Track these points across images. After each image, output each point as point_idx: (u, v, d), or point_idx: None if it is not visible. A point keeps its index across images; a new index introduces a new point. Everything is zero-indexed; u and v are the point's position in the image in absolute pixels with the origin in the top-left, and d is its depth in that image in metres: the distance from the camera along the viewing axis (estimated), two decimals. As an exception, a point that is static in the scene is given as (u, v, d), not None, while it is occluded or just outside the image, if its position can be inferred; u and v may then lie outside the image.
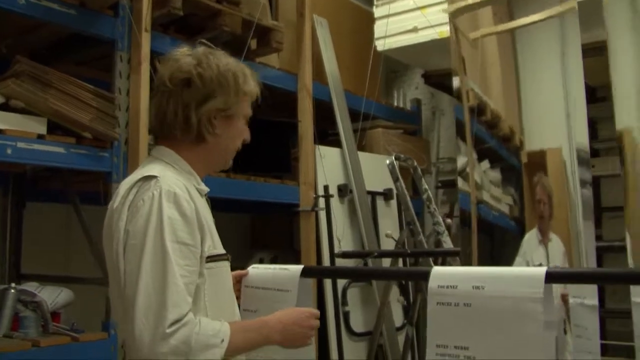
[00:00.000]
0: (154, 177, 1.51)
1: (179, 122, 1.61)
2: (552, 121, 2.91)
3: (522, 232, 3.04)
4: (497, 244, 3.22)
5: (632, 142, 2.66)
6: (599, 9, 2.71)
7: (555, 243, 2.96)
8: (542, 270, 1.49)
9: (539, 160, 2.96)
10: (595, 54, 2.98)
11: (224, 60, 1.65)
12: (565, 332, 2.83)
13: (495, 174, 3.13)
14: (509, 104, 3.07)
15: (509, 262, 3.03)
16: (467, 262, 3.21)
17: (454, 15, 3.38)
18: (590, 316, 2.81)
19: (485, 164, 3.15)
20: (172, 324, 1.39)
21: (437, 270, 1.63)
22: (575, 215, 2.77)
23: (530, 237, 2.87)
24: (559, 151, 2.86)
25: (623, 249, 2.51)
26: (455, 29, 3.31)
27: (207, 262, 1.54)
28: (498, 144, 3.14)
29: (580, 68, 2.76)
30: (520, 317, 1.51)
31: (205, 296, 1.53)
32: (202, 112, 1.60)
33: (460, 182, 3.35)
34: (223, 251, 1.64)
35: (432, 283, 1.64)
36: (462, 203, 3.35)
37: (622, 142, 2.68)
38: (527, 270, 1.55)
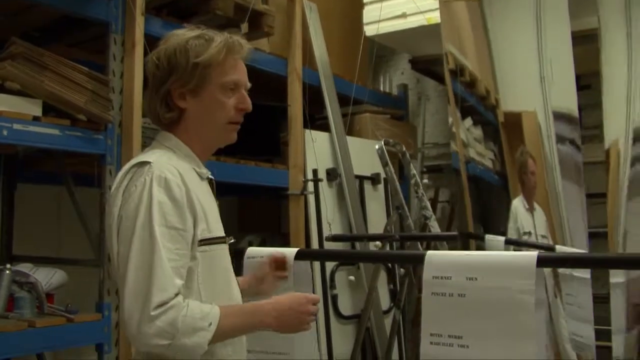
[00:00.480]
0: (148, 162, 1.55)
1: (158, 107, 1.66)
2: (526, 84, 2.95)
3: (505, 185, 3.09)
4: (484, 194, 3.27)
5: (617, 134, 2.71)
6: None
7: (539, 212, 3.03)
8: (533, 258, 1.54)
9: (515, 122, 3.01)
10: (584, 42, 3.03)
11: (180, 38, 1.65)
12: (555, 296, 2.88)
13: (478, 131, 3.18)
14: (483, 66, 3.12)
15: (497, 214, 3.07)
16: (462, 218, 3.26)
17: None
18: (583, 288, 2.86)
19: (468, 121, 3.21)
20: (158, 306, 1.42)
21: (431, 254, 1.68)
22: (553, 177, 2.81)
23: (518, 204, 2.93)
24: (534, 115, 2.90)
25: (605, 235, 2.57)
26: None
27: (200, 245, 1.56)
28: (477, 102, 3.20)
29: (565, 31, 2.78)
30: (513, 307, 1.56)
31: (198, 278, 1.55)
32: (164, 93, 1.64)
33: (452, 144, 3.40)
34: (220, 234, 1.65)
35: (427, 274, 1.68)
36: (455, 162, 3.38)
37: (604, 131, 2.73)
38: (519, 259, 1.58)
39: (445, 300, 1.66)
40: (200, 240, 1.56)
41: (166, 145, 1.67)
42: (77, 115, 2.61)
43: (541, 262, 1.53)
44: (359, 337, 3.53)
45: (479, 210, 3.13)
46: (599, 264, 1.84)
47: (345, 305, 3.93)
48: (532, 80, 2.89)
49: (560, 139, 2.73)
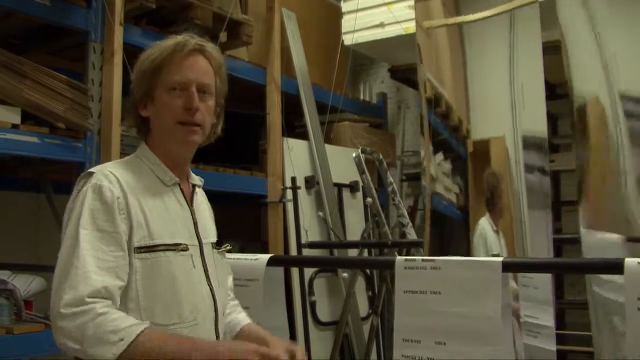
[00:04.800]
0: (92, 173, 1.60)
1: (130, 118, 1.73)
2: (497, 110, 3.00)
3: (466, 220, 3.13)
4: (447, 232, 3.32)
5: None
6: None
7: (502, 234, 3.08)
8: (499, 263, 1.59)
9: (483, 150, 3.05)
10: (555, 52, 3.09)
11: (144, 52, 1.70)
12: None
13: (447, 165, 3.22)
14: (459, 96, 3.17)
15: (457, 249, 3.11)
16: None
17: (417, 2, 3.47)
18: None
19: (440, 156, 3.24)
20: (67, 305, 1.41)
21: (401, 259, 1.73)
22: (519, 204, 2.85)
23: (485, 225, 2.96)
24: (502, 140, 2.95)
25: (578, 241, 2.62)
26: (416, 18, 3.40)
27: (139, 252, 1.56)
28: (450, 135, 3.24)
29: (538, 60, 2.85)
30: (479, 310, 1.62)
31: (137, 285, 1.54)
32: (130, 105, 1.70)
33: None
34: (173, 241, 1.62)
35: (398, 279, 1.73)
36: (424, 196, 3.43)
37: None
38: (485, 264, 1.64)
39: (417, 298, 1.72)
40: (139, 248, 1.56)
41: (136, 153, 1.73)
42: (56, 123, 2.63)
43: (506, 267, 1.58)
44: (337, 343, 3.57)
45: (438, 243, 3.17)
46: (561, 269, 1.90)
47: (324, 312, 3.97)
48: (502, 106, 2.94)
49: (529, 167, 2.78)
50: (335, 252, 3.97)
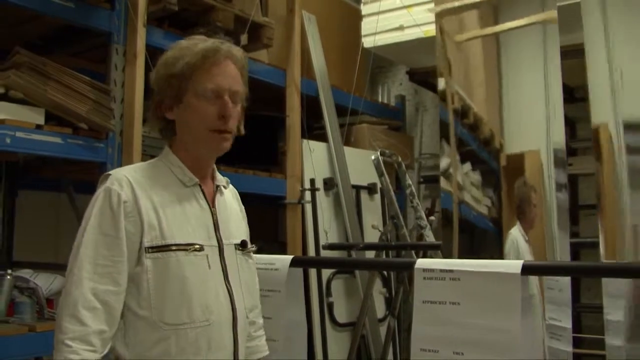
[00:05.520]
0: (109, 175, 1.64)
1: (152, 120, 1.75)
2: (532, 124, 2.99)
3: (499, 233, 3.13)
4: (477, 241, 3.32)
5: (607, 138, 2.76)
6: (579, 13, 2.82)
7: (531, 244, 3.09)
8: (518, 266, 1.60)
9: (517, 164, 3.05)
10: (575, 56, 3.09)
11: (169, 51, 1.71)
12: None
13: (476, 177, 3.22)
14: (491, 108, 3.16)
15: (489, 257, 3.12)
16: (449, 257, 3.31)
17: (440, 16, 3.47)
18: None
19: (467, 166, 3.24)
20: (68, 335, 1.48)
21: (420, 269, 1.73)
22: (551, 217, 2.86)
23: (517, 235, 2.96)
24: (537, 154, 2.95)
25: (596, 244, 2.61)
26: (441, 30, 3.39)
27: (150, 252, 1.59)
28: (479, 147, 3.23)
29: (559, 71, 2.85)
30: (499, 313, 1.62)
31: (149, 283, 1.59)
32: (154, 108, 1.71)
33: (442, 182, 3.45)
34: (184, 241, 1.64)
35: (417, 280, 1.74)
36: (444, 202, 3.44)
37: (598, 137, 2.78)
38: (505, 266, 1.65)
39: (435, 308, 1.72)
40: (150, 247, 1.60)
41: (160, 156, 1.77)
42: (78, 124, 2.67)
43: (526, 270, 1.58)
44: (354, 344, 3.57)
45: (467, 250, 3.18)
46: (583, 272, 1.90)
47: (341, 313, 3.98)
48: (537, 119, 2.93)
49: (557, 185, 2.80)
50: (353, 253, 3.98)
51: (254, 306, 1.88)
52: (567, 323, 2.52)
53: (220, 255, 1.72)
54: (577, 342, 3.53)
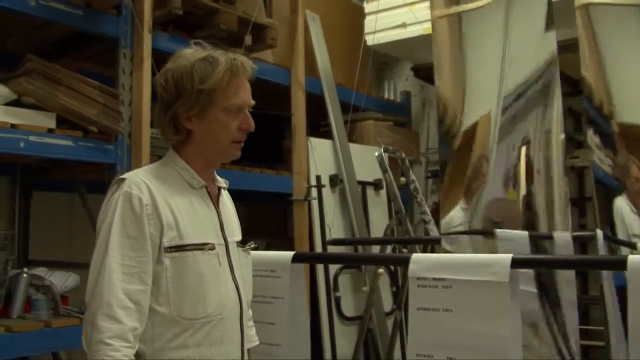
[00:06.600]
0: (124, 179, 1.71)
1: (164, 124, 1.78)
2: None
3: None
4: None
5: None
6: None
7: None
8: (508, 259, 1.66)
9: (633, 132, 2.98)
10: (576, 50, 3.14)
11: (186, 61, 1.74)
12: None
13: (596, 139, 3.15)
14: (598, 79, 3.12)
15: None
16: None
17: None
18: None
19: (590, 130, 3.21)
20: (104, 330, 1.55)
21: (416, 257, 1.81)
22: None
23: (622, 205, 2.90)
24: None
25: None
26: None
27: (169, 251, 1.68)
28: (595, 113, 3.21)
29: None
30: (488, 306, 1.69)
31: (168, 281, 1.67)
32: (171, 115, 1.76)
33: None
34: (200, 241, 1.74)
35: (412, 274, 1.81)
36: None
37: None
38: (494, 260, 1.71)
39: (429, 315, 1.79)
40: (169, 247, 1.68)
41: (165, 159, 1.84)
42: (89, 127, 2.76)
43: (515, 263, 1.65)
44: (361, 337, 3.66)
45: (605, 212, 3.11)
46: (565, 265, 1.96)
47: (349, 307, 4.06)
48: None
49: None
50: (361, 248, 4.06)
51: (250, 299, 1.97)
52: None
53: (227, 252, 1.82)
54: (585, 334, 3.59)
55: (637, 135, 2.73)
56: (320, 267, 3.91)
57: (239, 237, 1.93)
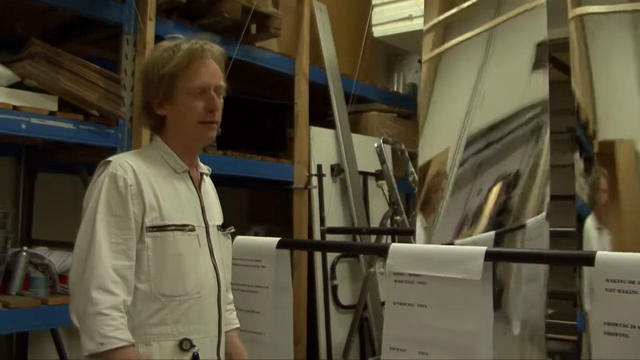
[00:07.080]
0: (109, 161, 1.80)
1: (142, 114, 1.93)
2: (625, 113, 2.97)
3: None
4: None
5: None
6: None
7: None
8: (482, 252, 1.70)
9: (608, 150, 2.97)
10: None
11: (154, 53, 1.88)
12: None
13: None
14: (585, 95, 3.11)
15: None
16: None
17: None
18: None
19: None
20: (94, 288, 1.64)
21: (394, 247, 1.86)
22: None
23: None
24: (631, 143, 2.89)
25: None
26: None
27: (150, 231, 1.77)
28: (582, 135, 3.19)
29: None
30: (461, 299, 1.73)
31: (149, 260, 1.76)
32: (145, 103, 1.89)
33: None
34: (181, 222, 1.83)
35: (389, 263, 1.86)
36: None
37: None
38: (468, 253, 1.75)
39: (404, 309, 1.84)
40: (151, 227, 1.77)
41: (151, 145, 1.95)
42: (90, 111, 2.82)
43: (490, 256, 1.69)
44: (354, 324, 3.70)
45: None
46: (531, 259, 1.98)
47: (346, 296, 4.12)
48: (631, 109, 2.91)
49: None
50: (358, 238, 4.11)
51: (229, 282, 2.04)
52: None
53: (207, 235, 1.91)
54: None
55: (610, 151, 2.76)
56: (318, 256, 3.97)
57: (219, 222, 2.01)
